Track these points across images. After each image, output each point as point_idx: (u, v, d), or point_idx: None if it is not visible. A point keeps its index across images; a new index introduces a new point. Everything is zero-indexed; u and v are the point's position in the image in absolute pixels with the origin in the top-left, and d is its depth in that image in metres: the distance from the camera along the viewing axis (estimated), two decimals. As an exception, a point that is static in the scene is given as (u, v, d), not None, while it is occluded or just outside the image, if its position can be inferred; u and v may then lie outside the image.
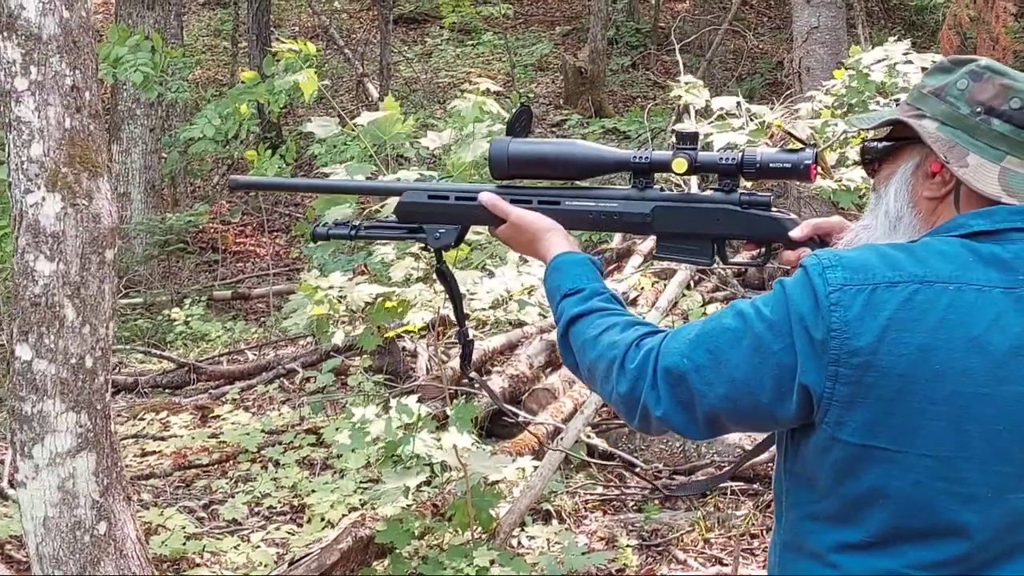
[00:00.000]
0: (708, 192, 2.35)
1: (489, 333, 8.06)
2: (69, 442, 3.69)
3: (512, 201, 2.41)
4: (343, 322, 4.73)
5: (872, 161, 2.09)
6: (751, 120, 5.73)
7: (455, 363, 6.98)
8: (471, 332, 2.76)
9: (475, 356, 7.41)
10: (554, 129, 15.33)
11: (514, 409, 6.43)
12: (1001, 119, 1.93)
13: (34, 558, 3.79)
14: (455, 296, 2.63)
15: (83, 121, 3.66)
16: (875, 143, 2.09)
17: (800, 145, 2.26)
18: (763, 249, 2.36)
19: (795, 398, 1.88)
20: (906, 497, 1.86)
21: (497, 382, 6.91)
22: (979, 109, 1.94)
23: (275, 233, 12.93)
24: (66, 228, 3.62)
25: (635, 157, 2.36)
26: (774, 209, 2.32)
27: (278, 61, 5.78)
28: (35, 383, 3.65)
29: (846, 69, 5.86)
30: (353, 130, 4.58)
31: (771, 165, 2.24)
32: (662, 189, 2.39)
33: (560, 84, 16.80)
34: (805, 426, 1.92)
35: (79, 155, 3.63)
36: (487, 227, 2.51)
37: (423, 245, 2.58)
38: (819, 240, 2.27)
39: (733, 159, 2.28)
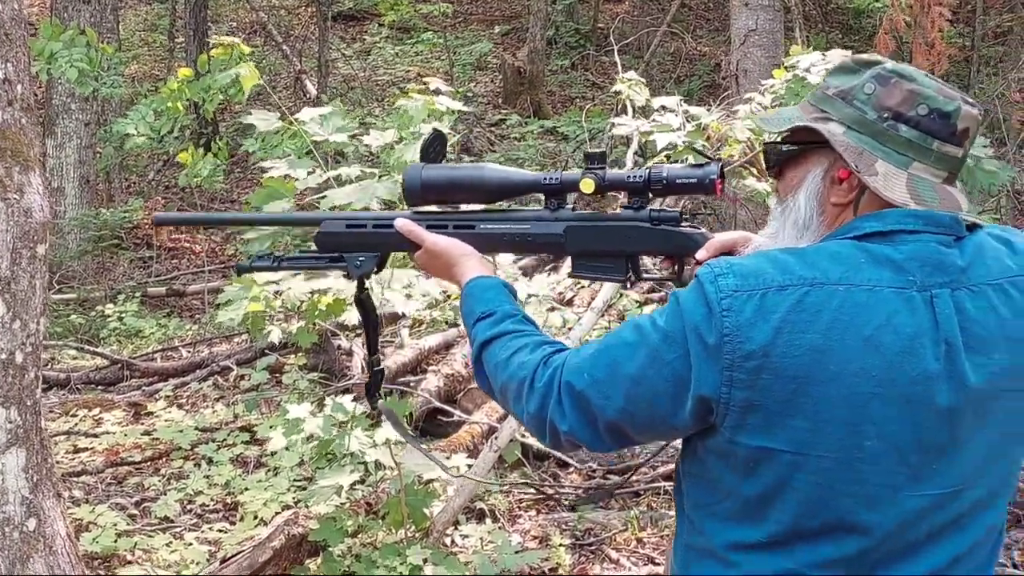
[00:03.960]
0: (618, 210, 2.38)
1: (425, 332, 8.06)
2: (-2, 438, 3.65)
3: (428, 227, 2.44)
4: (279, 319, 4.72)
5: (776, 165, 2.10)
6: (688, 121, 5.76)
7: (389, 361, 6.98)
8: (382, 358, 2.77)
9: (412, 356, 7.42)
10: (492, 128, 15.35)
11: (449, 408, 6.44)
12: (908, 125, 1.95)
13: (-39, 555, 3.74)
14: (371, 326, 2.65)
15: (15, 115, 3.62)
16: (778, 145, 2.10)
17: (706, 160, 2.29)
18: (676, 264, 2.39)
19: (690, 406, 1.91)
20: (805, 497, 1.89)
21: (432, 381, 6.91)
22: (886, 115, 1.96)
23: (210, 230, 12.85)
24: (-3, 222, 3.58)
25: (545, 179, 2.40)
26: (684, 224, 2.35)
27: (211, 60, 5.76)
28: (-37, 379, 3.61)
29: (785, 69, 5.90)
30: (292, 125, 4.57)
31: (677, 181, 2.29)
32: (574, 209, 2.41)
33: (499, 84, 16.82)
34: (704, 430, 1.95)
35: (10, 149, 3.59)
36: (405, 253, 2.54)
37: (345, 274, 2.58)
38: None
39: (640, 177, 2.32)
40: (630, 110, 6.34)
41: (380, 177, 4.14)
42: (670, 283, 2.41)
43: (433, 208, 2.50)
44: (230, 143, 8.76)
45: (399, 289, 4.49)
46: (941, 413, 1.87)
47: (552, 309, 6.25)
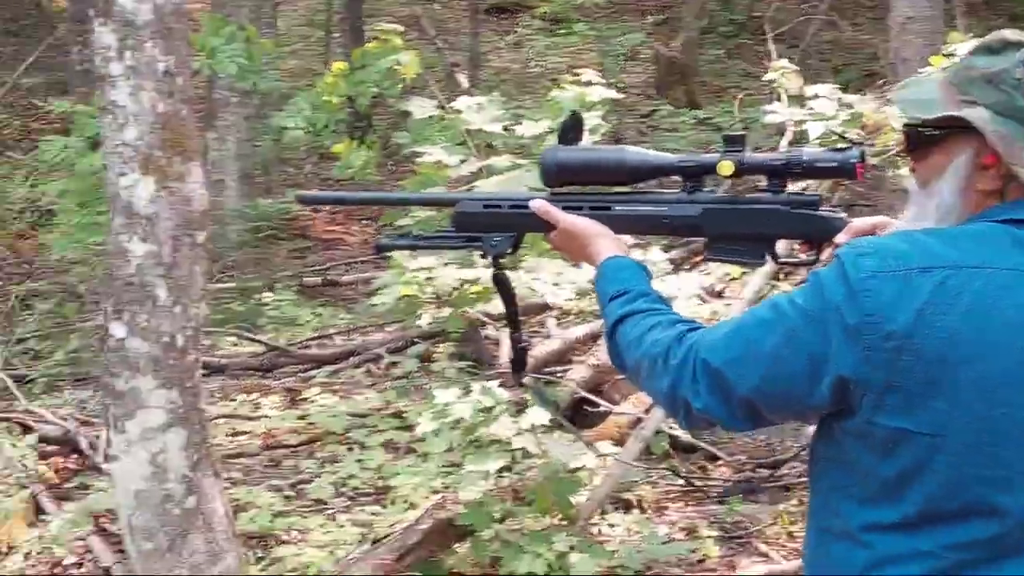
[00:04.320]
0: (757, 193, 2.38)
1: (572, 323, 8.11)
2: (160, 418, 3.80)
3: (564, 208, 2.45)
4: (430, 305, 4.82)
5: (918, 148, 2.08)
6: (843, 109, 5.70)
7: (536, 351, 7.05)
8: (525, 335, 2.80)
9: (559, 346, 7.48)
10: (644, 119, 15.30)
11: (595, 398, 6.46)
12: None
13: (126, 530, 3.91)
14: (510, 303, 2.67)
15: (175, 106, 3.75)
16: (921, 129, 2.07)
17: (848, 144, 2.27)
18: (814, 248, 2.38)
19: (828, 386, 1.90)
20: (942, 479, 1.87)
21: (579, 371, 6.95)
22: None
23: (364, 221, 13.06)
24: (159, 210, 3.72)
25: (683, 161, 2.40)
26: (824, 208, 2.34)
27: (365, 53, 5.89)
28: (128, 360, 3.77)
29: (944, 56, 5.79)
30: (448, 113, 4.66)
31: (817, 164, 2.28)
32: (712, 191, 2.42)
33: (651, 74, 16.74)
34: (840, 411, 1.94)
35: (171, 139, 3.73)
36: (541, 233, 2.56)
37: (481, 253, 2.62)
38: None
39: (779, 160, 2.31)
40: (783, 99, 6.30)
41: (530, 168, 4.20)
42: (807, 268, 2.40)
43: (569, 189, 2.53)
44: (382, 137, 8.92)
45: (548, 279, 4.55)
46: None
47: (703, 302, 6.24)
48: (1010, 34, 2.01)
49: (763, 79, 6.50)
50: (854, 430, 1.93)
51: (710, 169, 2.36)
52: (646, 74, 17.11)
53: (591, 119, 4.59)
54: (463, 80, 13.91)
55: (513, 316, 2.68)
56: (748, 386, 1.97)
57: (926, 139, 2.05)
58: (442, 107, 4.78)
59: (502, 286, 2.64)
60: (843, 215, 2.35)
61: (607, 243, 2.38)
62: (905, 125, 2.13)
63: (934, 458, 1.87)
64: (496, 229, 2.52)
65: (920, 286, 1.85)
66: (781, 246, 2.45)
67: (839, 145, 2.29)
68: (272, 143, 12.45)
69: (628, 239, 2.53)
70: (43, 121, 15.75)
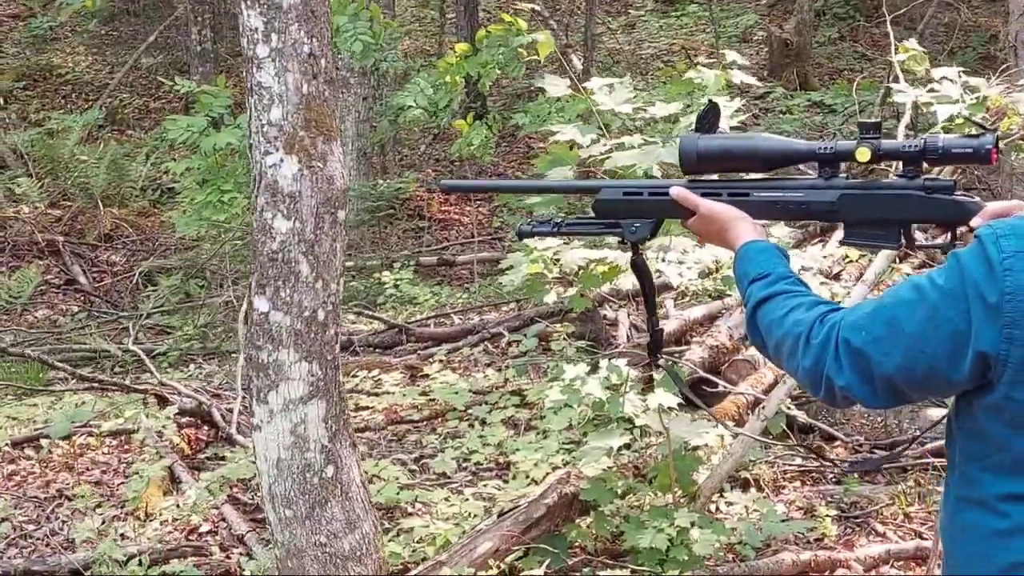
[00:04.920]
0: (892, 179, 2.42)
1: (689, 304, 8.15)
2: (301, 390, 3.93)
3: (702, 194, 2.51)
4: (555, 283, 4.91)
5: None
6: (968, 93, 5.66)
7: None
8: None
9: (677, 326, 7.53)
10: (757, 101, 15.22)
11: (713, 378, 6.50)
12: None
13: (266, 497, 4.05)
14: (648, 287, 2.75)
15: (319, 87, 3.88)
16: None
17: (981, 130, 2.30)
18: (948, 232, 2.41)
19: (969, 362, 1.95)
20: None
21: (697, 352, 6.99)
22: None
23: (478, 202, 13.19)
24: (302, 188, 3.84)
25: (819, 148, 2.44)
26: (958, 193, 2.37)
27: (489, 35, 5.97)
28: (271, 333, 3.90)
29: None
30: (582, 93, 4.74)
31: (953, 151, 2.32)
32: (847, 177, 2.46)
33: (765, 56, 16.64)
34: (979, 387, 1.99)
35: (315, 119, 3.85)
36: (680, 219, 2.62)
37: (620, 239, 2.69)
38: None
39: (916, 146, 2.34)
40: (902, 80, 6.26)
41: (665, 143, 4.25)
42: (942, 252, 2.43)
43: (707, 177, 2.59)
44: (503, 114, 9.01)
45: (674, 259, 4.61)
46: None
47: (822, 283, 6.25)
48: None
49: (888, 60, 6.45)
50: (991, 405, 1.99)
51: (846, 156, 2.42)
52: (759, 56, 17.00)
53: (730, 103, 4.64)
54: (577, 62, 13.97)
55: (651, 300, 2.76)
56: (891, 364, 2.03)
57: None
58: (575, 87, 4.86)
59: (641, 272, 2.73)
60: (977, 199, 2.38)
61: (746, 227, 2.44)
62: None
63: None
64: (636, 216, 2.60)
65: None
66: (916, 231, 2.50)
67: (972, 131, 2.33)
68: (389, 123, 12.61)
69: None
70: (163, 100, 16.12)
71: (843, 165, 2.49)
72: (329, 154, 3.90)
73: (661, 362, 2.90)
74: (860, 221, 2.45)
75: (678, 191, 2.53)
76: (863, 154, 2.37)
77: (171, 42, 16.51)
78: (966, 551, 2.11)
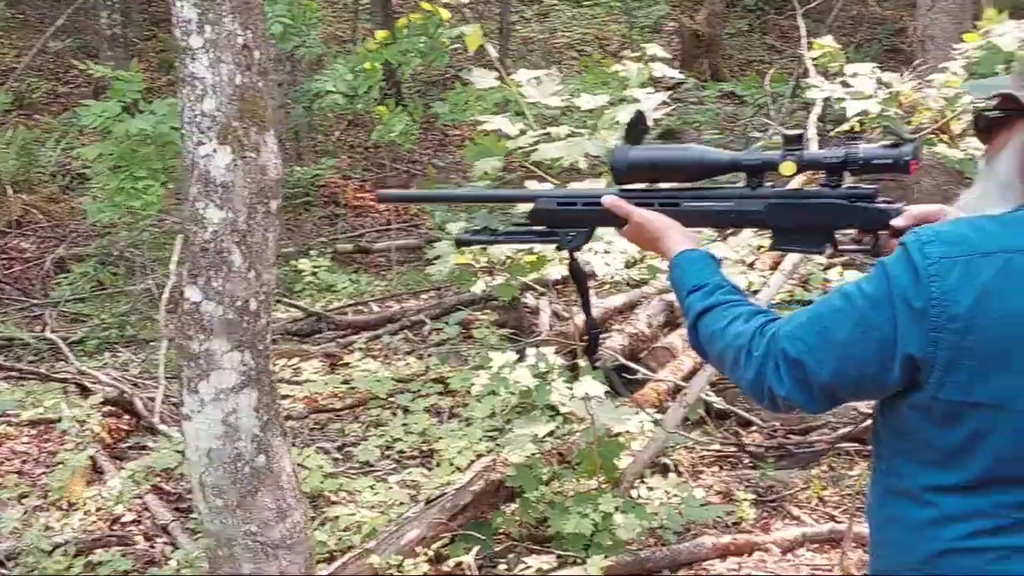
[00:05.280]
0: (817, 188, 2.50)
1: (609, 292, 8.25)
2: (233, 379, 3.92)
3: (635, 204, 2.58)
4: (483, 273, 4.96)
5: (986, 129, 2.21)
6: (881, 88, 5.79)
7: (576, 320, 7.19)
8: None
9: (597, 314, 7.58)
10: (670, 92, 15.36)
11: (633, 365, 6.60)
12: None
13: (196, 487, 4.04)
14: (584, 291, 2.82)
15: (252, 78, 3.87)
16: (988, 112, 2.21)
17: (901, 140, 2.40)
18: (872, 237, 2.50)
19: (898, 366, 2.03)
20: (1002, 448, 2.01)
21: (617, 339, 7.09)
22: None
23: (394, 188, 13.18)
24: (235, 179, 3.83)
25: (746, 160, 2.52)
26: (880, 200, 2.46)
27: (410, 23, 6.00)
28: (203, 323, 3.89)
29: (980, 35, 5.85)
30: (510, 86, 4.78)
31: (874, 161, 2.40)
32: (772, 186, 2.54)
33: (676, 47, 16.81)
34: (907, 387, 2.07)
35: (248, 110, 3.84)
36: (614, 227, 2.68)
37: (557, 247, 2.75)
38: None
39: (837, 157, 2.42)
40: (814, 74, 6.39)
41: (591, 135, 4.32)
42: (870, 255, 2.53)
43: (639, 186, 2.65)
44: (422, 103, 9.03)
45: (600, 249, 4.68)
46: None
47: (740, 273, 6.37)
48: None
49: (795, 55, 6.59)
50: (919, 405, 2.07)
51: (772, 167, 2.50)
52: (671, 47, 17.15)
53: (654, 97, 4.72)
54: (492, 50, 14.00)
55: (587, 303, 2.83)
56: (826, 372, 2.11)
57: (990, 121, 2.20)
58: (502, 79, 4.90)
59: (576, 277, 2.81)
60: (898, 205, 2.47)
61: (678, 236, 2.51)
62: (975, 110, 2.27)
63: (996, 427, 2.01)
64: (571, 224, 2.67)
65: (982, 270, 1.98)
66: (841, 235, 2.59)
67: (891, 140, 2.42)
68: (304, 110, 12.55)
69: None
70: (71, 85, 15.87)
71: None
72: (262, 144, 3.90)
73: (599, 363, 2.96)
74: (787, 228, 2.53)
75: (611, 200, 2.59)
76: (788, 168, 2.46)
77: (80, 26, 16.26)
78: (894, 540, 2.19)
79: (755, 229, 2.75)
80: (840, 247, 2.58)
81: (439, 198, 5.15)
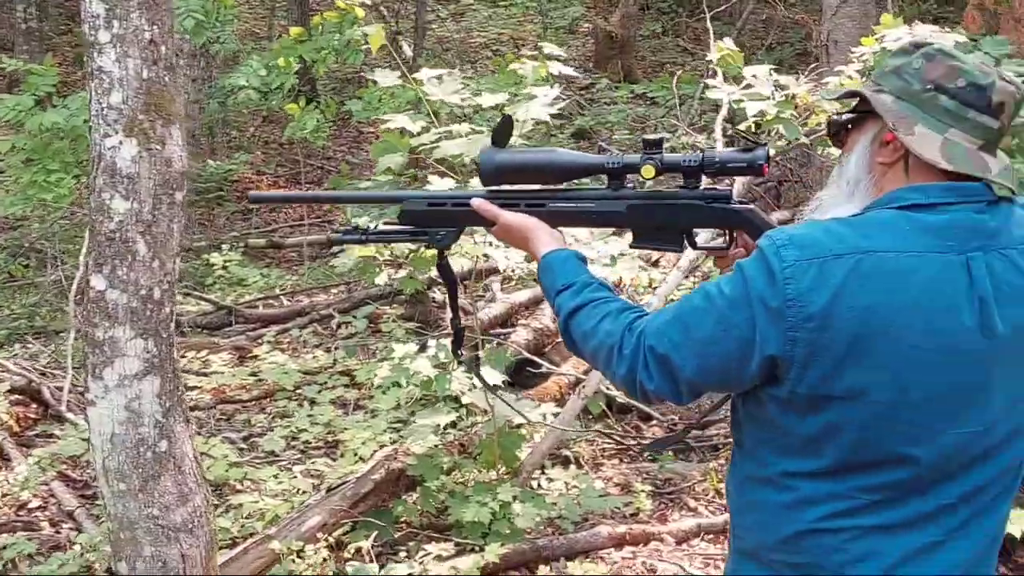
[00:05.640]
0: (675, 189, 2.67)
1: (515, 288, 8.39)
2: (136, 366, 4.00)
3: (502, 205, 2.71)
4: (386, 266, 5.08)
5: (838, 133, 2.37)
6: (778, 91, 5.99)
7: (482, 313, 7.34)
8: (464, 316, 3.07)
9: (502, 310, 7.77)
10: (582, 92, 15.55)
11: (538, 359, 6.74)
12: (947, 95, 2.20)
13: (100, 471, 4.11)
14: (452, 289, 2.95)
15: (159, 73, 3.96)
16: (840, 117, 2.37)
17: (754, 145, 2.54)
18: (727, 235, 2.68)
19: (757, 364, 2.17)
20: (857, 436, 2.17)
21: (522, 334, 7.23)
22: (929, 86, 2.21)
23: (308, 185, 13.22)
24: (141, 170, 3.92)
25: (608, 163, 2.67)
26: (734, 201, 2.63)
27: (325, 21, 6.09)
28: (107, 311, 3.96)
29: (876, 40, 6.05)
30: (412, 84, 4.90)
31: (728, 164, 2.57)
32: (634, 187, 2.70)
33: (591, 48, 17.00)
34: (767, 381, 2.22)
35: (154, 104, 3.93)
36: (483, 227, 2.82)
37: (426, 245, 2.88)
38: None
39: (695, 160, 2.59)
40: (721, 76, 6.58)
41: (489, 133, 4.44)
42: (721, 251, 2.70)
43: (507, 188, 2.77)
44: (331, 102, 9.10)
45: (503, 245, 4.81)
46: (975, 361, 2.15)
47: (641, 268, 6.53)
48: (920, 39, 2.33)
49: (702, 57, 6.78)
50: (778, 396, 2.21)
51: (633, 170, 2.65)
52: (585, 48, 17.36)
53: (549, 93, 4.87)
54: (407, 49, 14.10)
55: (454, 301, 2.96)
56: (690, 368, 2.24)
57: (842, 124, 2.36)
58: (404, 78, 5.02)
59: (445, 274, 2.93)
60: (751, 206, 2.64)
61: (545, 237, 2.64)
62: (829, 117, 2.44)
63: (850, 418, 2.16)
64: (441, 224, 2.79)
65: (834, 271, 2.12)
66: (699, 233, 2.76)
67: (745, 146, 2.58)
68: (218, 105, 12.56)
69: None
70: (-17, 78, 15.69)
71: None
72: (168, 137, 3.99)
73: (463, 356, 3.09)
74: (647, 227, 2.69)
75: (479, 203, 2.72)
76: (648, 171, 2.60)
77: (-6, 20, 16.12)
78: (756, 523, 2.34)
79: (616, 227, 2.90)
80: (700, 247, 2.74)
81: (311, 198, 5.28)
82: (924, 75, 2.22)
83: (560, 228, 2.71)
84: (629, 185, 2.70)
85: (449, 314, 2.99)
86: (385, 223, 2.94)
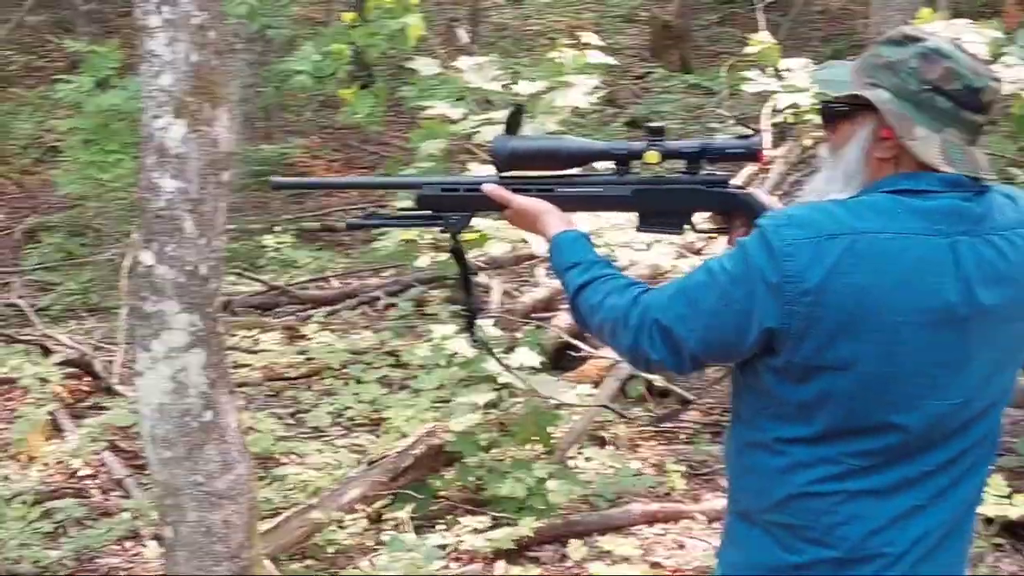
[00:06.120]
0: (678, 175, 2.78)
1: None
2: (182, 339, 4.17)
3: (513, 190, 2.81)
4: (428, 250, 5.22)
5: (830, 120, 2.46)
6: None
7: (525, 297, 7.49)
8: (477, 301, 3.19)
9: (545, 293, 7.89)
10: (638, 81, 15.61)
11: (578, 343, 6.87)
12: (944, 97, 2.30)
13: (147, 439, 4.30)
14: (466, 273, 3.03)
15: (207, 57, 4.12)
16: (834, 105, 2.46)
17: (753, 132, 2.70)
18: (726, 218, 2.78)
19: (755, 336, 2.30)
20: (847, 403, 2.29)
21: (564, 318, 7.34)
22: (927, 87, 2.30)
23: (362, 170, 13.38)
24: (189, 150, 4.08)
25: (615, 149, 2.79)
26: (731, 185, 2.76)
27: (379, 6, 6.22)
28: (155, 286, 4.14)
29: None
30: (451, 73, 5.03)
31: (727, 151, 2.70)
32: (639, 173, 2.81)
33: (647, 37, 17.04)
34: (764, 352, 2.34)
35: (203, 86, 4.09)
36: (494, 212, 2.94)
37: (442, 229, 2.96)
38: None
39: (696, 147, 2.72)
40: (762, 69, 6.67)
41: (530, 119, 4.57)
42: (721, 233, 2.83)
43: (517, 173, 2.87)
44: (390, 85, 9.25)
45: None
46: (957, 338, 2.27)
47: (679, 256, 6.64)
48: (910, 30, 2.42)
49: (745, 50, 6.87)
50: (774, 366, 2.33)
51: (638, 156, 2.76)
52: (642, 36, 17.39)
53: (588, 82, 4.98)
54: (463, 36, 14.21)
55: (467, 283, 3.06)
56: (694, 339, 2.37)
57: (837, 113, 2.45)
58: (444, 66, 5.15)
59: (459, 258, 3.02)
60: (749, 190, 2.79)
61: (555, 219, 2.74)
62: (822, 102, 2.55)
63: (841, 387, 2.28)
64: (455, 209, 2.89)
65: (830, 250, 2.24)
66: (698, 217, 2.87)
67: (746, 133, 2.71)
68: (274, 90, 12.76)
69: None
70: (47, 59, 16.03)
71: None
72: (216, 119, 4.15)
73: (477, 337, 3.23)
74: (651, 211, 2.81)
75: (490, 188, 2.82)
76: (652, 157, 2.72)
77: (58, 1, 16.41)
78: (751, 486, 2.47)
79: (623, 212, 3.03)
80: (698, 229, 2.86)
81: (333, 184, 5.46)
82: (921, 75, 2.31)
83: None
84: (635, 171, 2.81)
85: (468, 297, 3.10)
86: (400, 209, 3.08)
